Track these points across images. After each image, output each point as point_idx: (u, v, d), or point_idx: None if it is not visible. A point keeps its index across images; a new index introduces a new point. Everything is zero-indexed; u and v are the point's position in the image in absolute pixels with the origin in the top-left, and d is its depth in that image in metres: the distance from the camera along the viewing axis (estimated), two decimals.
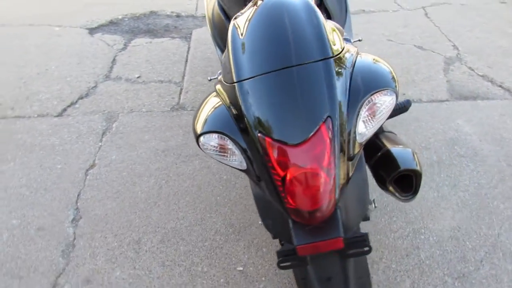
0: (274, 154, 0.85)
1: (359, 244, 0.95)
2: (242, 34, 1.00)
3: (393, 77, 1.00)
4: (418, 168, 1.05)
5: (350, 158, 0.90)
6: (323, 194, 0.83)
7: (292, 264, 0.93)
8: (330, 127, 0.85)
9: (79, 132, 2.39)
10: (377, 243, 1.76)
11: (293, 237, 0.87)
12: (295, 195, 0.84)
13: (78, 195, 1.99)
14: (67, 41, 3.33)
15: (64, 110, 2.58)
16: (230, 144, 0.95)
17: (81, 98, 2.68)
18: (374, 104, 0.94)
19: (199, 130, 0.99)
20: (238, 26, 1.04)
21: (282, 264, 0.92)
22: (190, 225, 1.83)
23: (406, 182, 1.08)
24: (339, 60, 0.95)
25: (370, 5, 3.93)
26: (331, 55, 0.94)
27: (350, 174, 0.89)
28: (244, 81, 0.92)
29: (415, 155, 1.09)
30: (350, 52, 1.03)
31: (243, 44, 0.98)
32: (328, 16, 1.84)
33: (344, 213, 0.91)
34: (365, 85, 0.95)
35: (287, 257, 0.92)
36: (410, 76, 2.88)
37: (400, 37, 3.38)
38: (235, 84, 0.94)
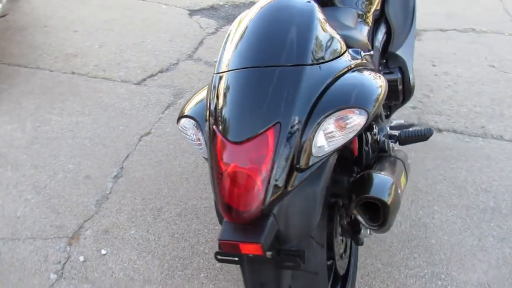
0: (220, 148, 0.86)
1: (290, 258, 0.92)
2: (236, 30, 1.02)
3: (376, 99, 0.94)
4: (387, 199, 0.97)
5: (300, 170, 0.87)
6: (252, 197, 0.83)
7: (227, 259, 0.94)
8: (278, 133, 0.84)
9: (148, 102, 2.62)
10: (386, 275, 1.64)
11: (221, 231, 0.88)
12: (226, 191, 0.85)
13: (126, 156, 2.20)
14: (167, 19, 3.63)
15: (144, 80, 2.84)
16: (199, 132, 0.99)
17: (161, 71, 2.93)
18: (341, 120, 0.89)
19: (180, 112, 1.05)
20: (239, 22, 1.06)
21: (218, 256, 0.94)
22: (209, 207, 1.91)
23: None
24: (317, 69, 0.92)
25: (484, 24, 3.54)
26: (305, 62, 0.91)
27: (293, 186, 0.86)
28: (219, 74, 0.95)
29: (394, 186, 1.01)
30: (341, 64, 0.98)
31: (232, 39, 1.00)
32: (389, 29, 1.74)
33: (283, 223, 0.89)
34: (337, 99, 0.90)
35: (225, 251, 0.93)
36: (499, 108, 2.56)
37: (506, 64, 3.00)
38: (213, 75, 0.97)
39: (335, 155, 0.99)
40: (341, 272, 1.33)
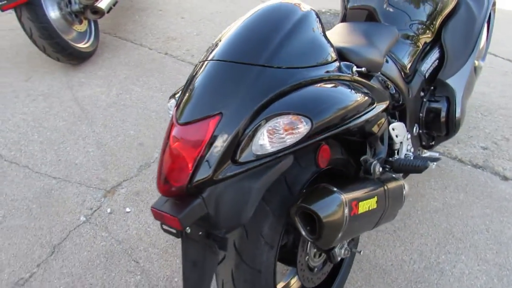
0: (171, 126, 0.95)
1: (211, 242, 0.97)
2: (233, 25, 1.09)
3: (329, 114, 0.94)
4: (323, 214, 0.95)
5: (236, 162, 0.91)
6: (181, 175, 0.90)
7: (169, 231, 1.02)
8: (218, 122, 0.89)
9: None
10: None
11: (156, 200, 0.97)
12: (164, 165, 0.93)
13: None
14: None
15: None
16: None
17: None
18: (286, 124, 0.91)
19: (172, 94, 1.17)
20: (240, 18, 1.12)
21: (163, 227, 1.03)
22: None
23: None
24: (282, 73, 0.95)
25: None
26: (272, 65, 0.94)
27: (224, 175, 0.90)
28: (200, 62, 1.03)
29: (340, 205, 0.98)
30: (316, 72, 0.99)
31: (224, 33, 1.07)
32: (442, 54, 1.63)
33: (213, 209, 0.94)
34: (287, 104, 0.92)
35: None
36: None
37: None
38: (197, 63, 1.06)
39: (289, 160, 1.00)
40: (308, 284, 1.32)
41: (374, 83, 1.27)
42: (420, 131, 1.69)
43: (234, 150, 0.91)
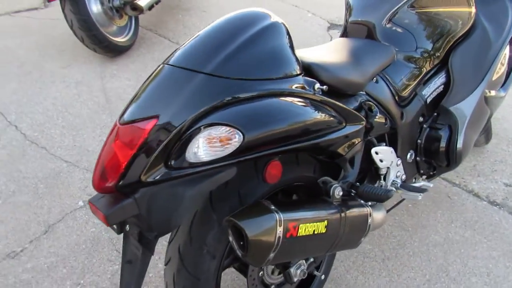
0: (114, 126, 0.97)
1: (135, 242, 0.98)
2: (199, 31, 1.09)
3: (266, 130, 0.92)
4: (251, 232, 0.92)
5: (169, 167, 0.91)
6: (112, 173, 0.91)
7: (113, 228, 1.05)
8: (154, 126, 0.90)
9: None
10: None
11: (95, 195, 0.99)
12: (101, 160, 0.95)
13: None
14: (306, 26, 3.78)
15: None
16: None
17: None
18: (222, 135, 0.90)
19: None
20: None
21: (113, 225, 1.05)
22: None
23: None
24: (229, 83, 0.94)
25: None
26: (220, 74, 0.94)
27: (154, 178, 0.91)
28: (160, 64, 1.04)
29: (273, 225, 0.95)
30: (269, 86, 0.97)
31: (188, 39, 1.08)
32: (449, 79, 1.53)
33: (145, 211, 0.95)
34: (226, 114, 0.91)
35: None
36: None
37: None
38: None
39: (230, 172, 0.98)
40: None
41: (348, 103, 1.21)
42: (418, 158, 1.59)
43: (168, 155, 0.91)
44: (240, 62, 0.98)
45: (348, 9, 1.55)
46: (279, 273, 1.32)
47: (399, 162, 1.47)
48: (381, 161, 1.38)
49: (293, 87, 1.03)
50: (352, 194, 1.20)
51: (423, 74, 1.50)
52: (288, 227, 0.98)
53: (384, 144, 1.44)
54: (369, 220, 1.21)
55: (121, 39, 3.21)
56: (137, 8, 3.11)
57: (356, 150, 1.24)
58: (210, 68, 0.95)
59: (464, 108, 1.53)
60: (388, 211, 1.57)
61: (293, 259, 1.17)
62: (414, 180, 1.64)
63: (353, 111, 1.18)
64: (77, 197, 2.02)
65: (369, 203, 1.38)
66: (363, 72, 1.27)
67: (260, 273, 1.25)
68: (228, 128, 0.90)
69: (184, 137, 0.91)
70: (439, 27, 1.51)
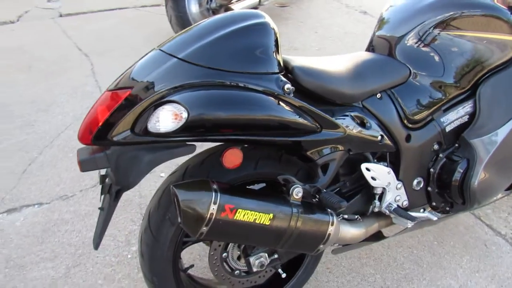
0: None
1: (110, 192, 1.15)
2: None
3: (207, 110, 1.02)
4: (181, 197, 1.03)
5: (134, 133, 1.06)
6: (89, 130, 1.08)
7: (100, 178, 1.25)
8: (127, 96, 1.06)
9: None
10: None
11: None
12: (85, 118, 1.14)
13: None
14: None
15: None
16: None
17: None
18: (174, 110, 1.03)
19: None
20: None
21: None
22: None
23: None
24: (196, 70, 1.06)
25: None
26: (192, 61, 1.06)
27: (118, 139, 1.05)
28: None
29: (209, 202, 1.04)
30: (234, 78, 1.07)
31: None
32: (475, 110, 1.43)
33: (114, 167, 1.11)
34: (185, 96, 1.03)
35: None
36: None
37: None
38: None
39: (188, 149, 1.10)
40: (223, 282, 1.36)
41: (334, 111, 1.23)
42: (430, 188, 1.49)
43: (135, 122, 1.07)
44: (214, 53, 1.09)
45: (379, 21, 1.53)
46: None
47: (400, 186, 1.42)
48: (373, 179, 1.35)
49: (262, 84, 1.10)
50: (315, 200, 1.22)
51: (444, 100, 1.42)
52: (223, 207, 1.06)
53: (384, 163, 1.40)
54: (329, 230, 1.21)
55: None
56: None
57: (331, 158, 1.25)
58: (183, 54, 1.08)
59: (486, 144, 1.40)
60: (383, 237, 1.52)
61: (231, 240, 1.22)
62: (421, 210, 1.54)
63: (331, 119, 1.20)
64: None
65: (346, 216, 1.37)
66: (358, 85, 1.27)
67: (224, 254, 1.33)
68: (179, 106, 1.02)
69: (148, 109, 1.06)
70: (471, 53, 1.41)
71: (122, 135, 1.07)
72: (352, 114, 1.28)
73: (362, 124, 1.29)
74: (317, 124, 1.18)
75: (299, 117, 1.14)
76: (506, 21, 1.41)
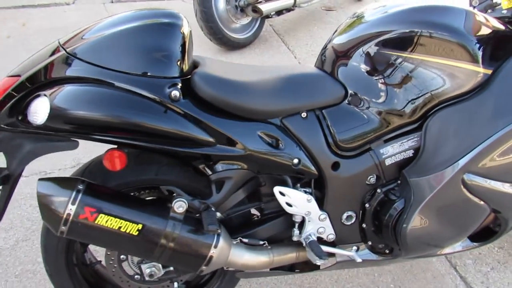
0: None
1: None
2: None
3: (71, 108, 1.00)
4: (40, 193, 1.05)
5: (18, 119, 1.06)
6: None
7: None
8: (15, 83, 1.06)
9: None
10: None
11: None
12: None
13: None
14: None
15: None
16: None
17: None
18: (42, 101, 1.01)
19: None
20: None
21: None
22: None
23: None
24: (77, 64, 1.04)
25: None
26: (71, 53, 1.04)
27: (3, 124, 1.05)
28: None
29: (66, 201, 1.02)
30: (113, 78, 1.03)
31: None
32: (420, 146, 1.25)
33: (3, 149, 1.13)
34: (53, 87, 1.02)
35: None
36: None
37: None
38: None
39: (70, 145, 1.08)
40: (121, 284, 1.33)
41: (237, 126, 1.13)
42: (364, 225, 1.33)
43: (18, 110, 1.06)
44: (101, 49, 1.05)
45: (335, 31, 1.39)
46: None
47: (324, 217, 1.28)
48: (289, 205, 1.23)
49: (145, 88, 1.04)
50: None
51: (385, 129, 1.24)
52: (83, 210, 1.02)
53: (307, 189, 1.27)
54: (212, 252, 1.12)
55: (238, 36, 3.48)
56: (257, 11, 3.32)
57: (227, 176, 1.15)
58: (71, 48, 1.06)
59: (425, 185, 1.20)
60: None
61: (98, 244, 1.16)
62: (356, 248, 1.38)
63: (227, 134, 1.10)
64: None
65: (246, 240, 1.27)
66: (276, 101, 1.16)
67: (122, 256, 1.29)
68: (46, 99, 1.01)
69: (28, 99, 1.05)
70: (422, 80, 1.21)
71: (8, 121, 1.08)
72: (263, 131, 1.17)
73: (274, 144, 1.18)
74: (210, 138, 1.09)
75: (187, 127, 1.07)
76: (469, 49, 1.20)
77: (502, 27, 1.30)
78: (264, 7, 3.30)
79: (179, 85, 1.08)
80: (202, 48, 3.53)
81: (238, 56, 3.45)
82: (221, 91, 1.11)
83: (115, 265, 1.31)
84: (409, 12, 1.25)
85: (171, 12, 1.16)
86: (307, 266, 1.41)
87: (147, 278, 1.26)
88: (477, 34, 1.22)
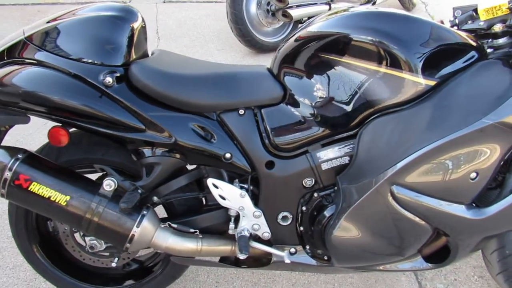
0: None
1: None
2: None
3: (16, 86, 1.13)
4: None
5: None
6: None
7: None
8: None
9: None
10: None
11: None
12: None
13: None
14: None
15: None
16: None
17: None
18: None
19: None
20: None
21: None
22: None
23: None
24: (31, 49, 1.17)
25: None
26: (28, 40, 1.17)
27: None
28: None
29: (5, 166, 1.15)
30: (60, 63, 1.15)
31: None
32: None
33: None
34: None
35: None
36: None
37: None
38: None
39: (22, 119, 1.21)
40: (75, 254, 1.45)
41: (171, 118, 1.20)
42: (302, 228, 1.32)
43: None
44: (52, 39, 1.18)
45: (298, 28, 1.39)
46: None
47: (259, 214, 1.30)
48: (222, 198, 1.28)
49: (83, 73, 1.15)
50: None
51: (322, 134, 1.24)
52: (18, 176, 1.15)
53: (243, 185, 1.30)
54: (133, 230, 1.20)
55: (269, 40, 3.54)
56: (287, 16, 3.35)
57: (155, 162, 1.22)
58: (28, 34, 1.20)
59: (353, 193, 1.18)
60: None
61: (33, 209, 1.25)
62: (294, 251, 1.38)
63: (156, 122, 1.17)
64: None
65: (175, 225, 1.33)
66: (212, 96, 1.21)
67: (74, 228, 1.41)
68: None
69: None
70: (361, 87, 1.17)
71: None
72: (196, 124, 1.23)
73: (206, 137, 1.23)
74: (139, 125, 1.18)
75: (115, 112, 1.16)
76: (409, 60, 1.14)
77: (468, 41, 1.22)
78: (295, 12, 3.33)
79: (117, 73, 1.18)
80: (234, 50, 3.65)
81: (266, 59, 3.50)
82: (154, 82, 1.19)
83: (68, 235, 1.43)
84: (357, 17, 1.23)
85: (127, 8, 1.26)
86: (254, 263, 1.44)
87: (88, 249, 1.37)
88: (427, 46, 1.17)
